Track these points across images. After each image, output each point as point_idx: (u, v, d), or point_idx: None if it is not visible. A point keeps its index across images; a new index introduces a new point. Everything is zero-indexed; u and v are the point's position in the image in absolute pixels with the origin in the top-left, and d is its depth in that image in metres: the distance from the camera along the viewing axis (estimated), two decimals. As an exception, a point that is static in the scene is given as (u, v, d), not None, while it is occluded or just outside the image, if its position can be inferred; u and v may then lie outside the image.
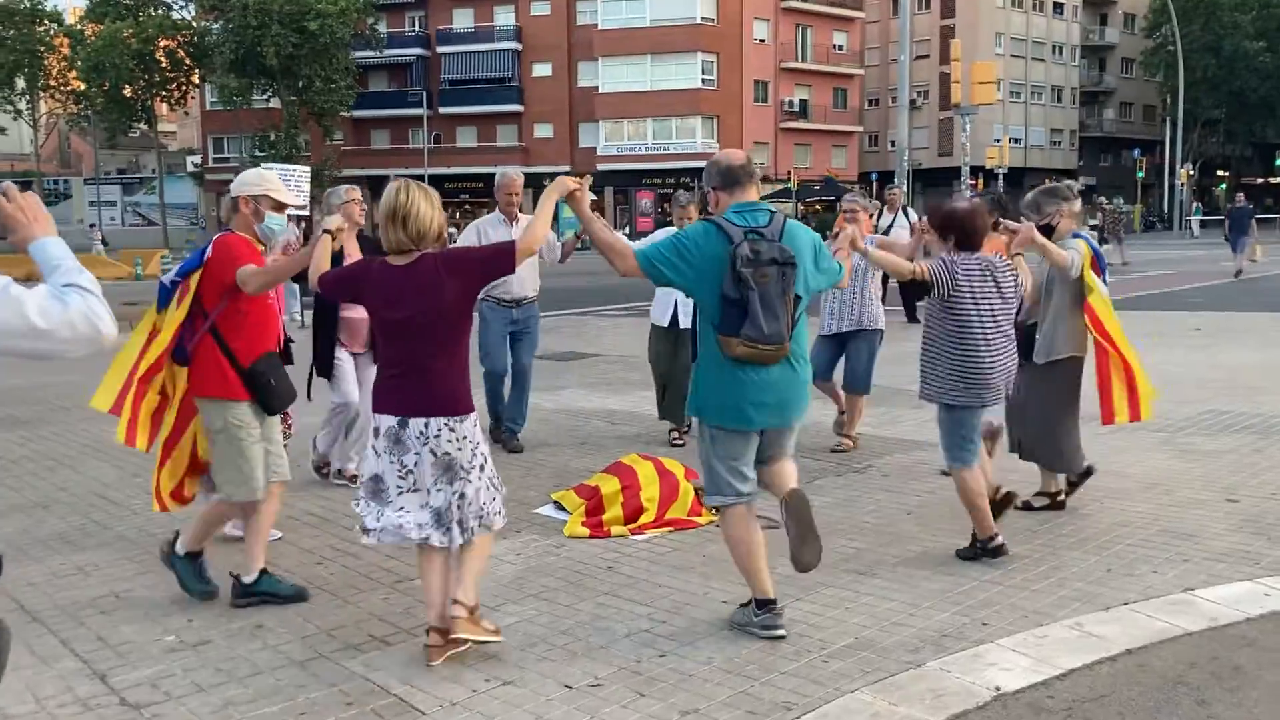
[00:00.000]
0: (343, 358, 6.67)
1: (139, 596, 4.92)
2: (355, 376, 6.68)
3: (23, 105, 59.22)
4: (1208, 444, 7.50)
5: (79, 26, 57.19)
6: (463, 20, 61.78)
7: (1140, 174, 62.67)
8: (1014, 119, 70.79)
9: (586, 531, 5.70)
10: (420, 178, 45.76)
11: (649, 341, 8.21)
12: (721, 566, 5.11)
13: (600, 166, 57.68)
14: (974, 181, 39.41)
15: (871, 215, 9.54)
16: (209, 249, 4.70)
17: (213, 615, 4.66)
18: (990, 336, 5.08)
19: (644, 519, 5.76)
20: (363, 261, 4.09)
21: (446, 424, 4.01)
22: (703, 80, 56.97)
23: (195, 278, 4.67)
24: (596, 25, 57.43)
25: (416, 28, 62.63)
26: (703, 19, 56.56)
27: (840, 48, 62.57)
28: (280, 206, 4.86)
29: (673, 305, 7.83)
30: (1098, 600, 4.58)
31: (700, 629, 4.38)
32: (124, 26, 53.08)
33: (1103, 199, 36.55)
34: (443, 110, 61.65)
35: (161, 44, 54.83)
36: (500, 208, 7.51)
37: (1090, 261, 5.66)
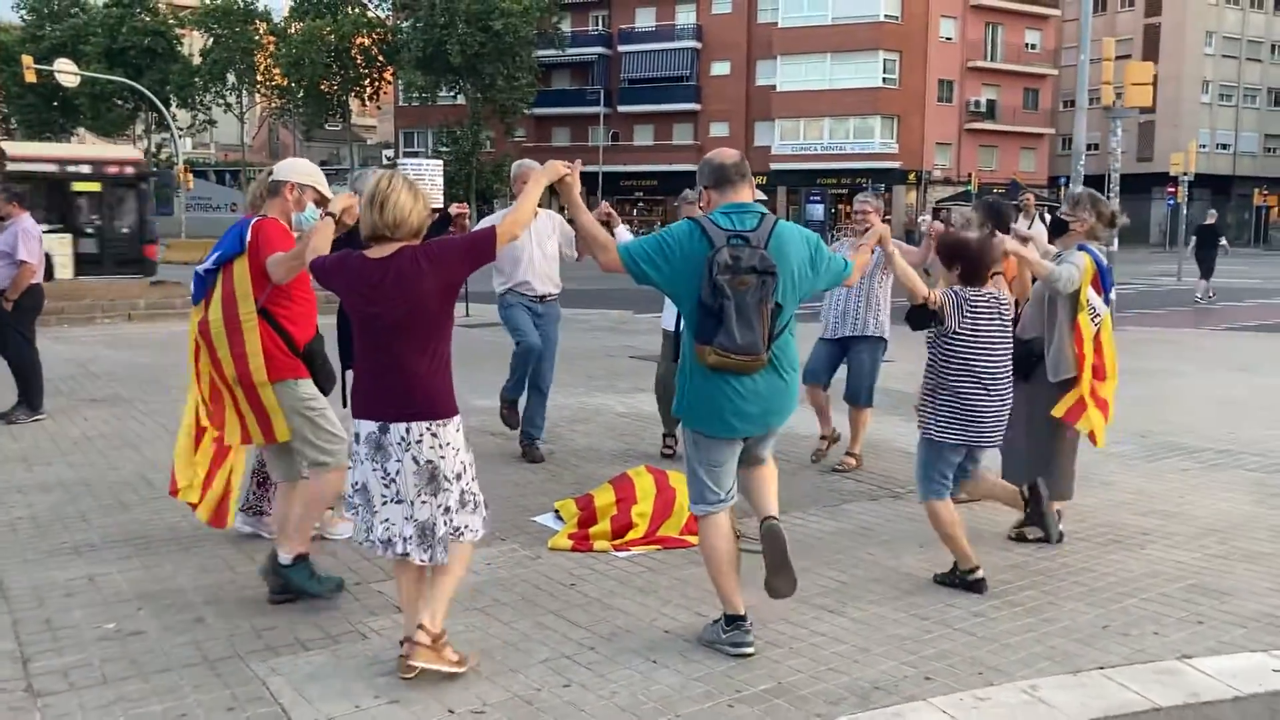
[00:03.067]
0: None
1: (110, 581, 5.00)
2: None
3: (232, 99, 63.01)
4: (1305, 488, 6.72)
5: (283, 25, 60.35)
6: (645, 19, 62.19)
7: (1364, 184, 57.70)
8: (1223, 123, 66.36)
9: (570, 545, 5.51)
10: (596, 175, 46.68)
11: (661, 349, 7.91)
12: (686, 592, 4.88)
13: (774, 165, 57.09)
14: (1172, 189, 37.07)
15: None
16: (248, 234, 4.64)
17: (162, 605, 4.69)
18: (991, 376, 4.77)
19: (632, 535, 5.54)
20: (344, 252, 4.02)
21: (429, 429, 3.82)
22: (884, 79, 55.61)
23: (238, 264, 4.63)
24: (777, 24, 56.83)
25: (600, 27, 63.40)
26: (886, 17, 55.18)
27: (1033, 46, 60.02)
28: (323, 200, 4.85)
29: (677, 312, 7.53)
30: (1073, 661, 4.10)
31: (624, 659, 4.14)
32: (323, 24, 55.79)
33: None
34: (621, 108, 62.23)
35: (356, 41, 57.32)
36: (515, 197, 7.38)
37: (1093, 278, 5.23)
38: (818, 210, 52.53)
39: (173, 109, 57.43)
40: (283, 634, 4.39)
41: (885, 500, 6.48)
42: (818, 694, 3.83)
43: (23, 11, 63.17)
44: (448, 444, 3.85)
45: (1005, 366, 4.81)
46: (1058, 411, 5.35)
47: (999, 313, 4.79)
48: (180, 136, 52.40)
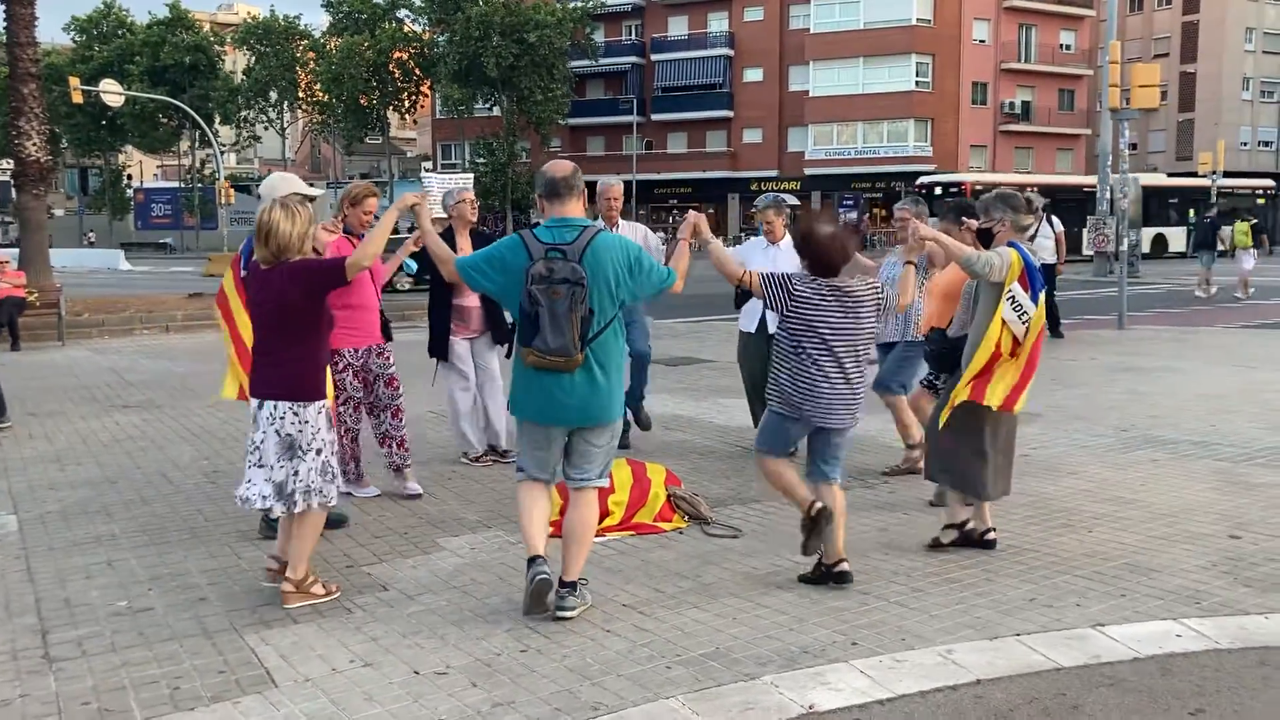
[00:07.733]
0: (456, 341, 7.47)
1: (126, 566, 5.48)
2: (470, 359, 7.55)
3: (274, 115, 64.31)
4: (1265, 477, 6.97)
5: (323, 41, 61.48)
6: (677, 28, 62.67)
7: None
8: (1265, 120, 65.66)
9: (549, 531, 5.89)
10: (630, 184, 46.75)
11: (738, 349, 8.33)
12: (649, 571, 5.26)
13: (808, 171, 57.34)
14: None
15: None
16: None
17: (171, 586, 5.16)
18: (828, 360, 4.84)
19: (608, 521, 5.91)
20: (253, 262, 4.87)
21: (291, 408, 4.69)
22: (917, 83, 55.66)
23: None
24: (809, 29, 57.09)
25: (632, 36, 63.94)
26: (918, 20, 55.27)
27: (1068, 47, 59.82)
28: (308, 199, 5.49)
29: (760, 313, 7.85)
30: (992, 629, 4.44)
31: (580, 628, 4.53)
32: (362, 40, 56.80)
33: None
34: (654, 117, 62.71)
35: (394, 55, 58.27)
36: (601, 214, 7.75)
37: (1020, 275, 5.20)
38: (851, 215, 52.58)
39: (215, 125, 58.68)
40: (276, 610, 4.82)
41: (857, 490, 6.80)
42: (750, 657, 4.20)
43: (73, 33, 64.98)
44: (306, 422, 4.70)
45: (851, 353, 4.88)
46: (960, 395, 5.27)
47: (839, 302, 4.84)
48: (224, 152, 53.59)
